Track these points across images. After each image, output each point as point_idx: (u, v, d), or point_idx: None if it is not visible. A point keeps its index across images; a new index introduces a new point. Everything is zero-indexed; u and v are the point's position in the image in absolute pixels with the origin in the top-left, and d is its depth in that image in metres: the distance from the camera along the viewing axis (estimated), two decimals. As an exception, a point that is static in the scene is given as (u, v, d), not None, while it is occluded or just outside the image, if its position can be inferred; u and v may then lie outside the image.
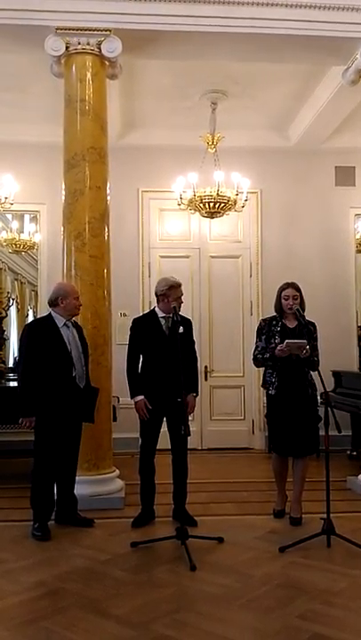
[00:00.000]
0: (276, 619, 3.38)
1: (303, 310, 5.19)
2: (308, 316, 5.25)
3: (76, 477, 5.20)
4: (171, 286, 5.15)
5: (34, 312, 8.61)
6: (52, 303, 5.08)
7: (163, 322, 5.18)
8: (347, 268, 8.80)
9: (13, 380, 8.11)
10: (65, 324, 5.04)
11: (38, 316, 5.52)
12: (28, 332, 5.09)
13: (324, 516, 4.56)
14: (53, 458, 4.93)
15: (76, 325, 5.19)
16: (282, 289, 5.26)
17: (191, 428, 4.70)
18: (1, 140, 8.05)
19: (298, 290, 5.22)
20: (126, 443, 7.01)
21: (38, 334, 4.97)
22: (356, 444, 7.68)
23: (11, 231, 8.55)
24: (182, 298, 5.21)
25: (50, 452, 4.90)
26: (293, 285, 5.23)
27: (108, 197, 5.86)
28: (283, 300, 5.22)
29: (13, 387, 7.38)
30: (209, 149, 7.60)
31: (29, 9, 5.50)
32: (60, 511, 5.09)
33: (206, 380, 8.41)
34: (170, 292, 5.12)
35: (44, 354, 4.89)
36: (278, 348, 5.02)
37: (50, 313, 5.11)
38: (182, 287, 5.23)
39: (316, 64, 6.58)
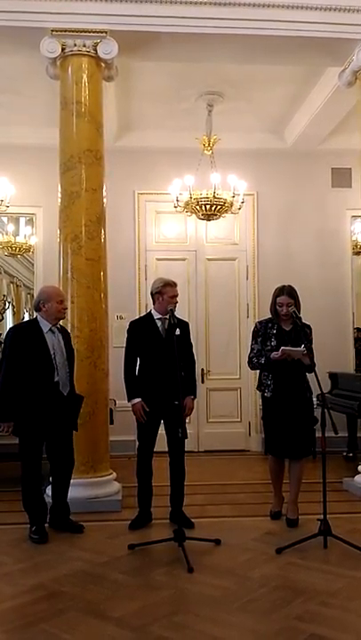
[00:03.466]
0: (274, 620, 3.38)
1: (298, 312, 5.16)
2: (305, 317, 5.22)
3: (74, 480, 5.17)
4: (166, 284, 5.15)
5: (30, 315, 8.60)
6: (36, 307, 5.02)
7: (159, 324, 5.17)
8: (343, 270, 8.81)
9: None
10: (50, 330, 4.96)
11: (24, 320, 5.44)
12: (10, 336, 4.99)
13: (321, 517, 4.56)
14: (38, 462, 4.88)
15: (62, 331, 5.12)
16: (276, 295, 5.21)
17: (188, 431, 4.69)
18: (-3, 143, 8.05)
19: (292, 295, 5.14)
20: (123, 445, 7.01)
21: (21, 338, 4.90)
22: (352, 446, 7.70)
23: (6, 234, 8.54)
24: (178, 299, 5.20)
25: (33, 456, 4.85)
26: (288, 292, 5.16)
27: (105, 200, 5.86)
28: (277, 307, 5.20)
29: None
30: (205, 151, 7.61)
31: (25, 10, 5.51)
32: (54, 517, 5.07)
33: (203, 382, 8.40)
34: (165, 290, 5.11)
35: (25, 358, 4.82)
36: (273, 354, 5.02)
37: (36, 317, 5.04)
38: (179, 290, 5.23)
39: (312, 66, 6.59)
